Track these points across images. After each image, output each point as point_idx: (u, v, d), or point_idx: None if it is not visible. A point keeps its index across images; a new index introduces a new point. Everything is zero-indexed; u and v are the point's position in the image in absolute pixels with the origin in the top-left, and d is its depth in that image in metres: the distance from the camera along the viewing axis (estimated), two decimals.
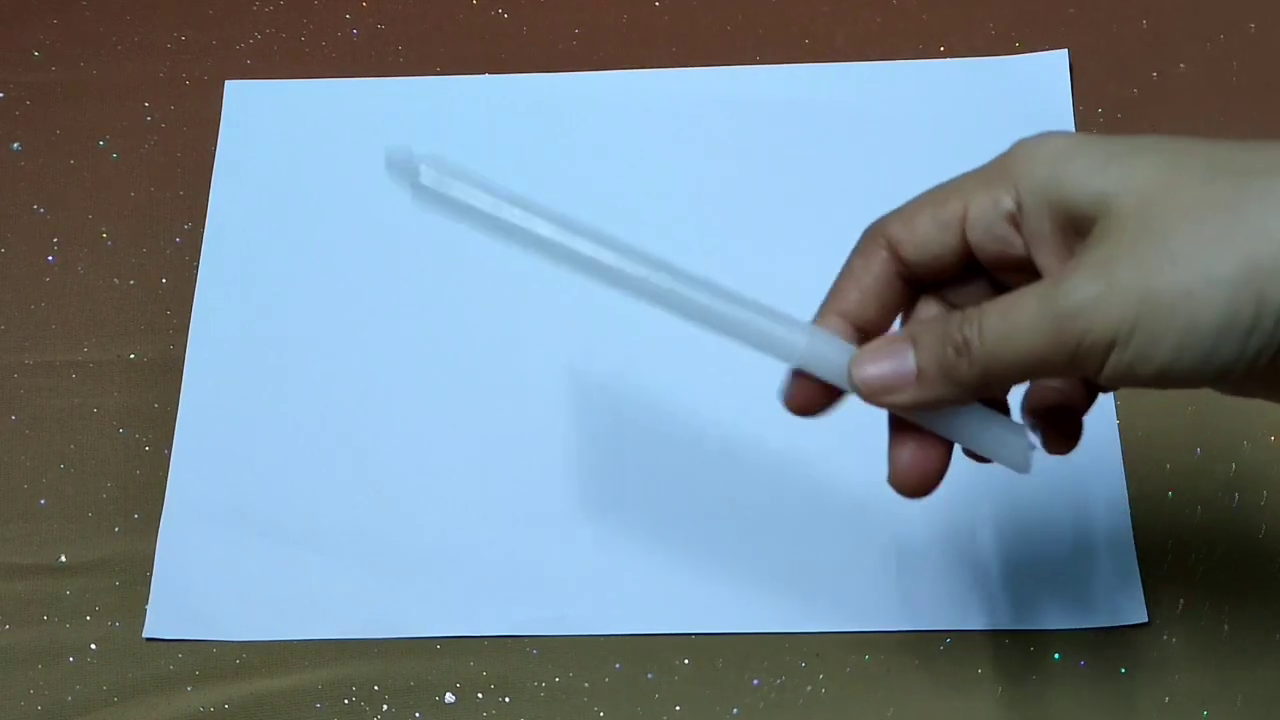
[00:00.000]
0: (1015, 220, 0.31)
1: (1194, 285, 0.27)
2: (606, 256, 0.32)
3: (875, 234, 0.34)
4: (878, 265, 0.33)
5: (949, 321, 0.31)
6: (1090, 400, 0.35)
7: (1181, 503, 0.51)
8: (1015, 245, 0.31)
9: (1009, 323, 0.29)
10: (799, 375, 0.34)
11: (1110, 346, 0.28)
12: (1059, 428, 0.35)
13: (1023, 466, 0.33)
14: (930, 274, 0.33)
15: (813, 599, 0.50)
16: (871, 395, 0.32)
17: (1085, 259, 0.28)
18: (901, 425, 0.34)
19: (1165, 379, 0.28)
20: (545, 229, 0.32)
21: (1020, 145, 0.31)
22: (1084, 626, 0.49)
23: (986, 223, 0.31)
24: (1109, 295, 0.27)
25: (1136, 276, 0.27)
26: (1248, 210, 0.27)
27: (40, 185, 0.60)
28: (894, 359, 0.31)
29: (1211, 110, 0.59)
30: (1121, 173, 0.29)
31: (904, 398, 0.31)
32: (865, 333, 0.34)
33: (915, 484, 0.34)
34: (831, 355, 0.33)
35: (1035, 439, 0.34)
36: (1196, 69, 0.60)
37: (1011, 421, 0.34)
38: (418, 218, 0.58)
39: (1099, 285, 0.28)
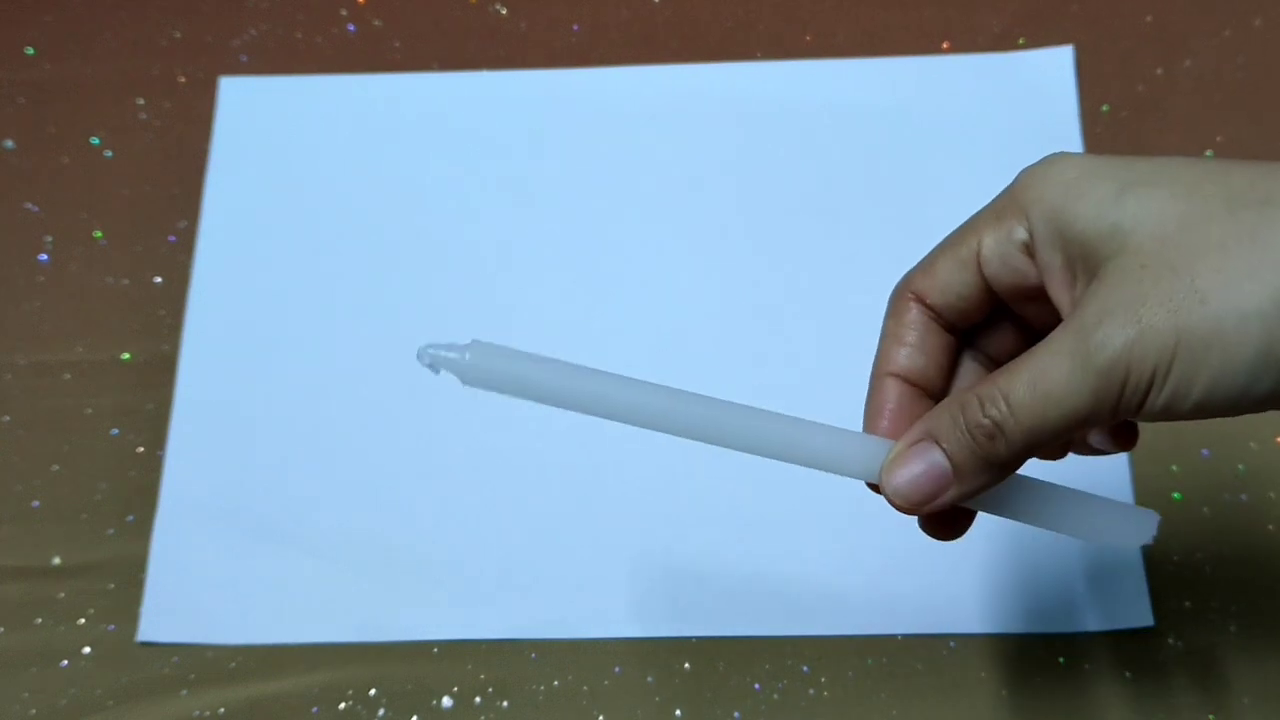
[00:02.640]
0: (1030, 250, 0.30)
1: (1226, 322, 0.26)
2: (657, 418, 0.32)
3: (901, 291, 0.33)
4: (912, 318, 0.32)
5: (966, 407, 0.29)
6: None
7: (1188, 505, 0.51)
8: (1031, 275, 0.31)
9: (1041, 391, 0.28)
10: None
11: (1149, 388, 0.27)
12: (1116, 431, 0.34)
13: (1145, 538, 0.32)
14: (960, 318, 0.32)
15: (815, 602, 0.50)
16: (914, 507, 0.30)
17: (1109, 303, 0.27)
18: None
19: (1202, 413, 0.28)
20: (593, 400, 0.32)
21: (1028, 174, 0.30)
22: (1089, 630, 0.49)
23: (1001, 255, 0.31)
24: (1142, 339, 0.27)
25: (1166, 317, 0.27)
26: (1273, 242, 0.26)
27: (33, 183, 0.60)
28: (921, 461, 0.30)
29: (1217, 106, 0.58)
30: (1137, 206, 0.28)
31: (948, 498, 0.30)
32: (926, 390, 0.33)
33: (948, 530, 0.33)
34: (863, 457, 0.31)
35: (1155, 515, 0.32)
36: (1202, 65, 0.59)
37: (1121, 505, 0.32)
38: (413, 217, 0.58)
39: (1131, 330, 0.27)
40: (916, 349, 0.32)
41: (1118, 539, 0.32)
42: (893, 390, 0.32)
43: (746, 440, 0.31)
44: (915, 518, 0.32)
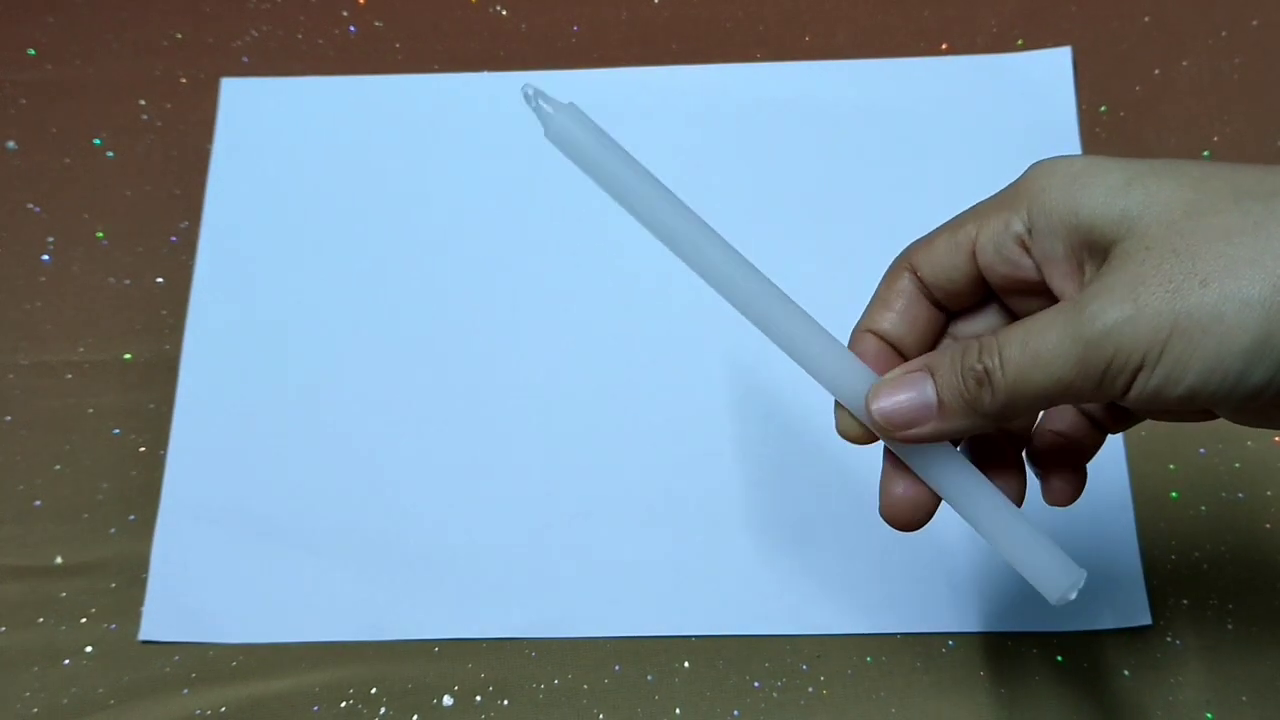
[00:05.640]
0: (1024, 243, 0.31)
1: (1225, 308, 0.26)
2: (708, 252, 0.33)
3: (900, 260, 0.34)
4: (903, 286, 0.33)
5: (966, 351, 0.30)
6: (1098, 444, 0.35)
7: (1185, 503, 0.51)
8: (1024, 268, 0.31)
9: (1031, 350, 0.29)
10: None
11: (1138, 369, 0.27)
12: (1063, 474, 0.35)
13: (1055, 598, 0.32)
14: (949, 298, 0.33)
15: (814, 601, 0.50)
16: (891, 429, 0.31)
17: (1109, 281, 0.28)
18: (895, 457, 0.33)
19: (1193, 401, 0.28)
20: (653, 204, 0.33)
21: (1036, 167, 0.31)
22: (1088, 629, 0.49)
23: (996, 245, 0.31)
24: (1137, 318, 0.27)
25: (1165, 298, 0.27)
26: (1278, 233, 0.27)
27: (35, 184, 0.60)
28: (913, 389, 0.31)
29: (1214, 107, 0.58)
30: (1145, 194, 0.28)
31: (926, 430, 0.31)
32: (901, 352, 0.33)
33: (906, 518, 0.33)
34: (854, 376, 0.32)
35: (1080, 581, 0.32)
36: (1199, 65, 0.59)
37: (1060, 551, 0.33)
38: (414, 217, 0.58)
39: (1127, 308, 0.27)
40: (901, 316, 0.33)
41: (1038, 578, 0.32)
42: (871, 344, 0.33)
43: (760, 310, 0.32)
44: (884, 513, 0.34)
